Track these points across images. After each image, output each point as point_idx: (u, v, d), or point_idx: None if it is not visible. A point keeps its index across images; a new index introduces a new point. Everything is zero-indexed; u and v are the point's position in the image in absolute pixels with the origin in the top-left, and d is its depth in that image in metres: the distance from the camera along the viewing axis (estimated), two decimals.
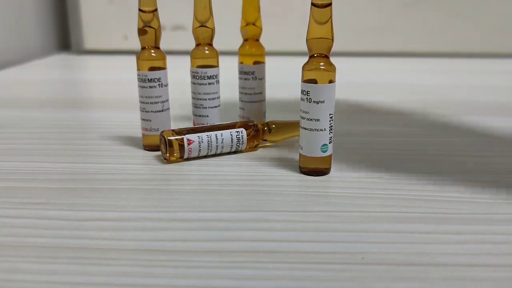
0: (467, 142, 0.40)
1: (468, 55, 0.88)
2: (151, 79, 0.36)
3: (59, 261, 0.23)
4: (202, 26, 0.37)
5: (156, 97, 0.36)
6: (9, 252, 0.24)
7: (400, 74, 0.76)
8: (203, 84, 0.38)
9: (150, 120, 0.37)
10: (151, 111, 0.36)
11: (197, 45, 0.38)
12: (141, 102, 0.36)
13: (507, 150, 0.38)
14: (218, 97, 0.38)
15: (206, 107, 0.38)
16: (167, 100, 0.37)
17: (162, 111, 0.36)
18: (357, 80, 0.70)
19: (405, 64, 0.84)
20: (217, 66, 0.38)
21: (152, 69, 0.36)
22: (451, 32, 0.88)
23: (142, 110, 0.37)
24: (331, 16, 0.30)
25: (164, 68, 0.36)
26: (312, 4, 0.30)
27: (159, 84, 0.36)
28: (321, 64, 0.31)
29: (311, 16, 0.30)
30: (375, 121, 0.47)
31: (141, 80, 0.36)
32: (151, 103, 0.36)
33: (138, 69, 0.36)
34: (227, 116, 0.40)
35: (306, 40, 0.31)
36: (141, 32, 0.35)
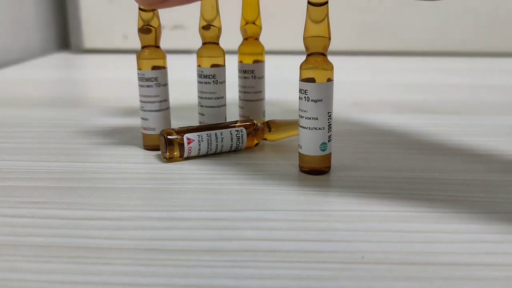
0: (468, 141, 0.40)
1: (469, 54, 0.88)
2: (148, 78, 0.36)
3: (58, 260, 0.23)
4: (208, 25, 0.37)
5: (154, 96, 0.36)
6: (8, 251, 0.24)
7: (400, 73, 0.76)
8: (200, 82, 0.38)
9: (148, 119, 0.37)
10: (148, 110, 0.36)
11: (203, 44, 0.38)
12: (140, 101, 0.36)
13: (505, 149, 0.38)
14: (217, 98, 0.38)
15: (202, 106, 0.38)
16: (166, 100, 0.37)
17: (159, 110, 0.36)
18: (357, 79, 0.70)
19: (405, 63, 0.84)
20: (223, 65, 0.38)
21: (152, 68, 0.36)
22: (451, 31, 0.88)
23: (141, 108, 0.37)
24: (327, 15, 0.30)
25: (163, 67, 0.36)
26: (308, 2, 0.30)
27: (156, 84, 0.36)
28: (319, 62, 0.31)
29: (307, 15, 0.30)
30: (375, 120, 0.47)
31: (140, 79, 0.36)
32: (148, 102, 0.36)
33: (138, 68, 0.36)
34: (226, 115, 0.40)
35: (303, 38, 0.31)
36: (145, 31, 0.35)
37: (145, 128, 0.37)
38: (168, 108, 0.37)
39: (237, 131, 0.36)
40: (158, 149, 0.37)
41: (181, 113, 0.46)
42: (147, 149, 0.37)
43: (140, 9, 0.35)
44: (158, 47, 0.36)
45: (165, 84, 0.36)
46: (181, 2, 0.28)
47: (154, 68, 0.36)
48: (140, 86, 0.36)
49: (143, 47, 0.36)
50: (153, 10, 0.35)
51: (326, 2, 0.30)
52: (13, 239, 0.25)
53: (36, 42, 0.88)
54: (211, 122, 0.38)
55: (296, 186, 0.31)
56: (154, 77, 0.36)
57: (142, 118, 0.37)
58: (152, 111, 0.36)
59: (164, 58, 0.36)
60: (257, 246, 0.24)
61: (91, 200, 0.29)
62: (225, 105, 0.39)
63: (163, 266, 0.22)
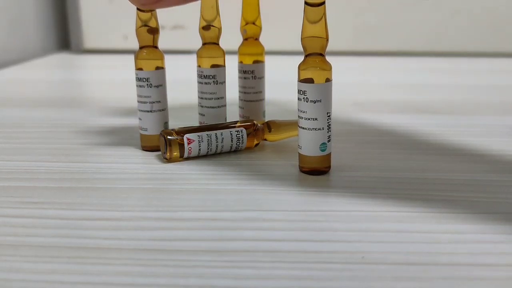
0: (467, 141, 0.40)
1: (468, 54, 0.87)
2: (140, 78, 0.36)
3: (58, 260, 0.23)
4: (208, 25, 0.37)
5: (145, 97, 0.36)
6: (8, 251, 0.24)
7: (400, 73, 0.76)
8: (200, 83, 0.38)
9: (141, 119, 0.37)
10: (141, 110, 0.36)
11: (203, 44, 0.38)
12: (137, 100, 0.37)
13: (505, 149, 0.38)
14: (218, 98, 0.38)
15: (203, 106, 0.38)
16: (159, 102, 0.36)
17: (151, 111, 0.36)
18: (357, 79, 0.70)
19: (405, 63, 0.84)
20: (223, 65, 0.38)
21: (150, 68, 0.36)
22: (451, 31, 0.88)
23: (138, 108, 0.37)
24: (324, 15, 0.30)
25: (161, 68, 0.36)
26: (305, 2, 0.30)
27: (147, 84, 0.36)
28: (317, 63, 0.31)
29: (304, 15, 0.30)
30: (375, 120, 0.47)
31: (135, 79, 0.36)
32: (140, 102, 0.36)
33: (136, 68, 0.36)
34: (226, 115, 0.40)
35: (301, 39, 0.31)
36: (150, 31, 0.35)
37: (140, 128, 0.37)
38: (162, 110, 0.37)
39: (237, 131, 0.36)
40: (153, 150, 0.37)
41: (181, 113, 0.46)
42: (144, 150, 0.37)
43: (138, 9, 0.35)
44: (156, 47, 0.36)
45: (159, 85, 0.36)
46: (177, 3, 0.28)
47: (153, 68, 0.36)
48: (136, 85, 0.36)
49: (141, 47, 0.36)
50: (150, 10, 0.35)
51: (323, 3, 0.30)
52: (13, 239, 0.25)
53: (36, 42, 0.88)
54: (211, 123, 0.38)
55: (296, 187, 0.31)
56: (146, 77, 0.35)
57: (139, 118, 0.37)
58: (143, 111, 0.36)
59: (162, 58, 0.36)
60: (257, 246, 0.24)
61: (90, 200, 0.29)
62: (225, 105, 0.39)
63: (163, 266, 0.22)
